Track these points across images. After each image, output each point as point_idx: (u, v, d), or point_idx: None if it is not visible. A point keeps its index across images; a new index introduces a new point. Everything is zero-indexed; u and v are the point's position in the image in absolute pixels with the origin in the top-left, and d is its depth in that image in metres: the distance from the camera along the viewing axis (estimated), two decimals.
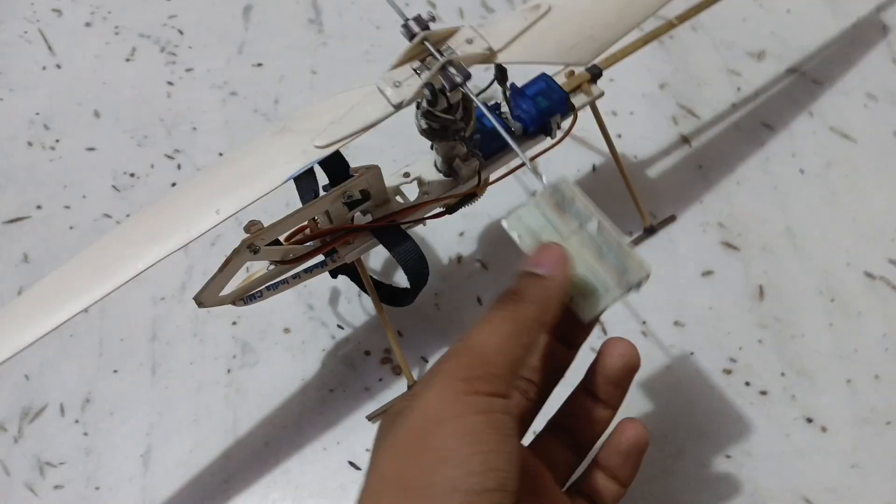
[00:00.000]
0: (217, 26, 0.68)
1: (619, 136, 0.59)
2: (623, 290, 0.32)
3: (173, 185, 0.61)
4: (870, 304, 0.52)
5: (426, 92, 0.39)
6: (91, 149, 0.63)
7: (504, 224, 0.35)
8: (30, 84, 0.67)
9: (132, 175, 0.61)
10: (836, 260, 0.54)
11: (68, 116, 0.65)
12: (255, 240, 0.41)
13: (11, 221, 0.60)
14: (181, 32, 0.68)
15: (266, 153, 0.37)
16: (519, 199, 0.57)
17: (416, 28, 0.39)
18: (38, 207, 0.60)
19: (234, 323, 0.55)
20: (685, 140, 0.59)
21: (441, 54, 0.39)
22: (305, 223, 0.45)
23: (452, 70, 0.38)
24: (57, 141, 0.63)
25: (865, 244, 0.54)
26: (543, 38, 0.41)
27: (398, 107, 0.39)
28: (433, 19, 0.40)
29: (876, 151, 0.57)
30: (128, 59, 0.67)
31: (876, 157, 0.57)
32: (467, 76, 0.38)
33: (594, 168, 0.58)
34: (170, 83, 0.65)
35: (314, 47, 0.66)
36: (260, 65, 0.66)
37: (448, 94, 0.40)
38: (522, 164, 0.49)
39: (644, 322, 0.52)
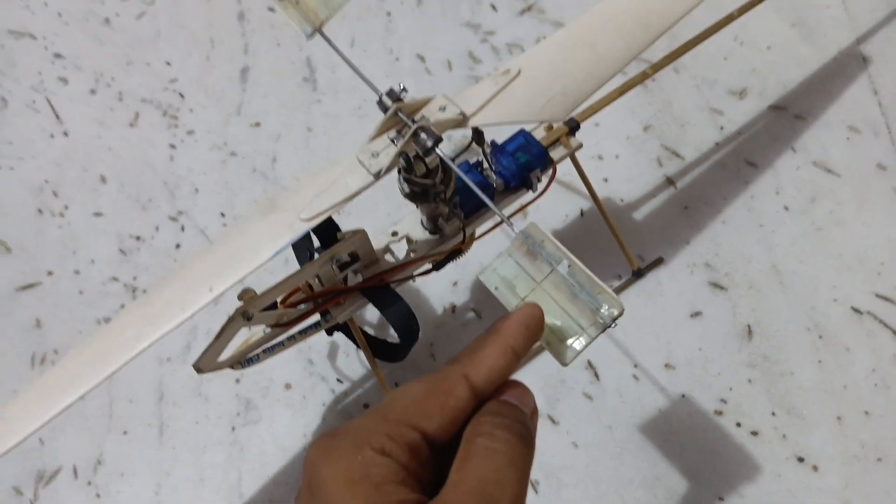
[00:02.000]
0: (216, 88, 0.70)
1: (606, 179, 0.61)
2: (599, 329, 0.32)
3: (177, 246, 0.63)
4: (857, 340, 0.53)
5: (401, 160, 0.41)
6: (98, 214, 0.65)
7: (481, 278, 0.35)
8: (38, 152, 0.70)
9: (138, 238, 0.64)
10: (822, 296, 0.54)
11: (75, 183, 0.67)
12: (249, 307, 0.43)
13: (23, 288, 0.62)
14: (182, 96, 0.70)
15: (255, 231, 0.39)
16: (499, 251, 0.59)
17: (388, 101, 0.41)
18: (49, 273, 0.63)
19: (237, 381, 0.56)
20: (670, 181, 0.60)
21: (413, 121, 0.40)
22: (298, 286, 0.47)
23: (424, 136, 0.40)
24: (65, 207, 0.66)
25: (851, 279, 0.55)
26: (515, 99, 0.43)
27: (377, 176, 0.40)
28: (405, 90, 0.41)
29: (860, 184, 0.58)
30: (131, 125, 0.70)
31: (860, 189, 0.58)
32: (438, 140, 0.40)
33: (582, 213, 0.60)
34: (172, 146, 0.68)
35: (309, 104, 0.68)
36: (258, 124, 0.68)
37: (425, 159, 0.42)
38: (501, 221, 0.51)
39: (636, 365, 0.53)
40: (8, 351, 0.59)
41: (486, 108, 0.43)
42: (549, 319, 0.33)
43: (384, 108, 0.41)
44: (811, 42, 0.64)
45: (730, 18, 0.54)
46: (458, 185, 0.47)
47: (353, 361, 0.56)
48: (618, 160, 0.62)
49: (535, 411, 0.33)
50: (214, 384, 0.56)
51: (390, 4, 0.73)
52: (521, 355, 0.33)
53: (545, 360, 0.54)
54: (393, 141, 0.41)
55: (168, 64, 0.73)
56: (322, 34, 0.46)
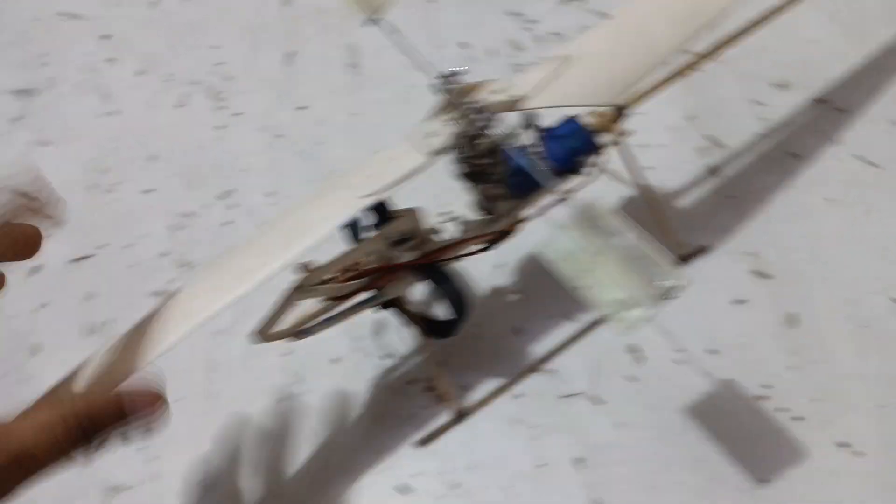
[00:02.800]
0: (262, 72, 0.72)
1: (649, 168, 0.61)
2: (661, 300, 0.33)
3: (226, 223, 0.64)
4: None
5: (458, 140, 0.42)
6: (148, 191, 0.67)
7: (537, 253, 0.36)
8: (87, 131, 0.71)
9: (188, 215, 0.65)
10: (864, 286, 0.55)
11: (125, 160, 0.69)
12: (310, 278, 0.44)
13: (75, 261, 0.64)
14: (229, 79, 0.72)
15: (317, 206, 0.41)
16: (544, 233, 0.60)
17: (446, 82, 0.42)
18: (100, 247, 0.64)
19: (283, 354, 0.58)
20: (713, 171, 0.61)
21: (470, 105, 0.41)
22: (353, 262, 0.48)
23: (480, 117, 0.41)
24: (116, 183, 0.68)
25: (893, 270, 0.55)
26: (568, 84, 0.44)
27: (434, 155, 0.41)
28: (461, 72, 0.42)
29: None
30: (180, 106, 0.71)
31: None
32: (494, 122, 0.41)
33: (626, 201, 0.61)
34: (220, 127, 0.69)
35: (353, 90, 0.70)
36: (303, 108, 0.69)
37: (480, 139, 0.43)
38: (556, 202, 0.52)
39: (679, 350, 0.54)
40: (60, 321, 0.61)
41: (539, 91, 0.44)
42: (610, 293, 0.34)
43: (440, 89, 0.42)
44: (853, 36, 0.65)
45: (776, 11, 0.55)
46: (512, 167, 0.48)
47: (399, 338, 0.57)
48: (660, 149, 0.62)
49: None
50: (261, 358, 0.58)
51: None
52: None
53: (589, 341, 0.56)
54: (449, 121, 0.42)
55: (215, 47, 0.74)
56: (380, 22, 0.47)
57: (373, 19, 0.46)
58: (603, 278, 0.34)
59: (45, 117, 0.72)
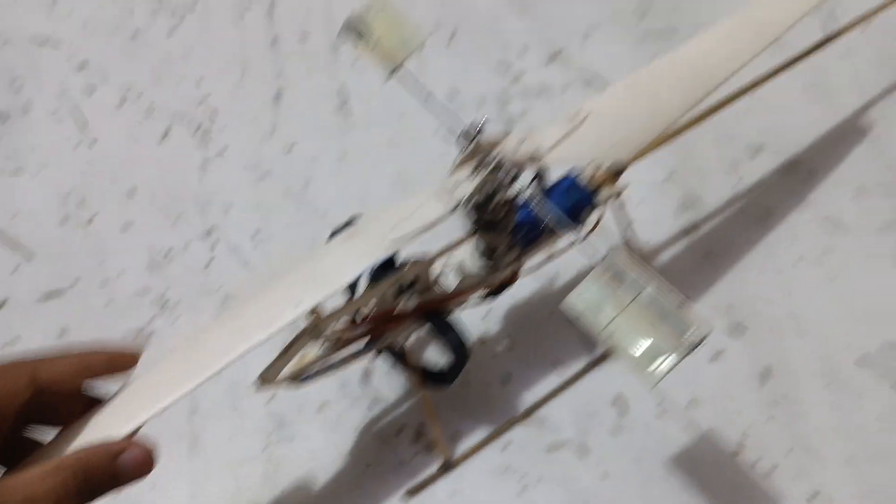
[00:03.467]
0: (249, 109, 0.71)
1: (632, 222, 0.64)
2: (685, 351, 0.34)
3: (209, 262, 0.63)
4: (867, 385, 0.56)
5: (483, 192, 0.43)
6: (127, 225, 0.65)
7: (566, 302, 0.36)
8: (63, 160, 0.69)
9: (168, 252, 0.64)
10: (836, 342, 0.58)
11: (103, 193, 0.67)
12: (319, 324, 0.44)
13: (48, 296, 0.62)
14: (214, 113, 0.71)
15: (339, 253, 0.41)
16: (540, 284, 0.61)
17: (471, 135, 0.43)
18: (75, 282, 0.62)
19: (270, 399, 0.57)
20: (693, 227, 0.64)
21: (493, 158, 0.43)
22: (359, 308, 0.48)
23: (504, 172, 0.42)
24: (93, 216, 0.66)
25: (862, 328, 0.58)
26: (584, 141, 0.46)
27: (457, 206, 0.42)
28: (485, 125, 0.44)
29: (868, 240, 0.62)
30: (162, 139, 0.70)
31: (869, 245, 0.62)
32: (517, 177, 0.42)
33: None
34: (204, 162, 0.68)
35: (342, 132, 0.70)
36: (291, 147, 0.69)
37: (502, 193, 0.44)
38: (557, 252, 0.53)
39: (662, 401, 0.56)
40: None
41: (556, 147, 0.45)
42: (636, 344, 0.35)
43: (466, 142, 0.43)
44: (822, 104, 0.69)
45: (758, 83, 0.59)
46: (520, 218, 0.49)
47: (387, 384, 0.57)
48: (642, 204, 0.65)
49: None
50: (248, 400, 0.57)
51: None
52: (93, 375, 0.38)
53: (576, 391, 0.57)
54: (472, 173, 0.43)
55: (200, 81, 0.73)
56: (400, 76, 0.48)
57: (393, 71, 0.47)
58: (630, 329, 0.35)
59: (17, 144, 0.70)
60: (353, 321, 0.47)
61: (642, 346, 0.35)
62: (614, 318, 0.36)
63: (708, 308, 0.60)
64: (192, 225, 0.65)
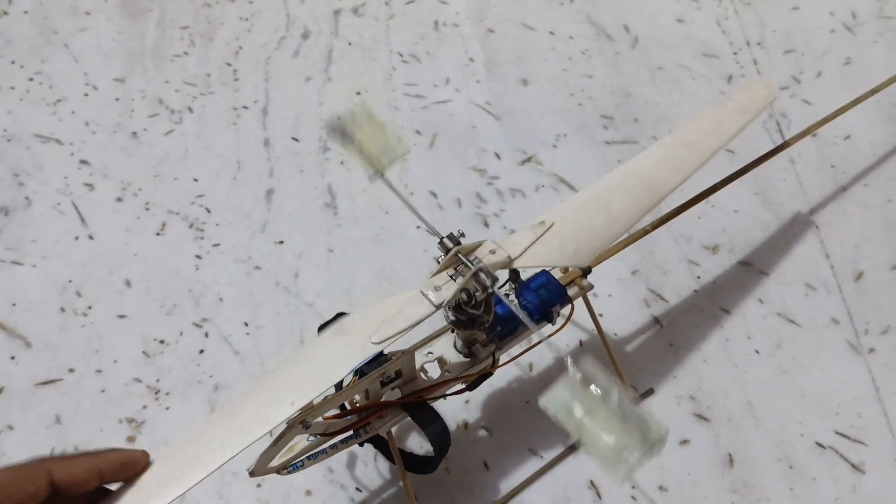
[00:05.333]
0: (242, 206, 0.76)
1: (601, 315, 0.68)
2: (650, 451, 0.37)
3: (201, 351, 0.66)
4: (822, 471, 0.60)
5: (463, 294, 0.47)
6: (122, 316, 0.68)
7: (541, 402, 0.40)
8: (62, 253, 0.73)
9: (162, 342, 0.67)
10: (790, 430, 0.62)
11: (100, 285, 0.70)
12: (307, 416, 0.47)
13: (44, 383, 0.64)
14: (208, 210, 0.76)
15: (330, 351, 0.44)
16: (516, 373, 0.65)
17: (450, 244, 0.48)
18: (70, 371, 0.65)
19: (258, 485, 0.59)
20: (656, 321, 0.69)
21: (472, 264, 0.47)
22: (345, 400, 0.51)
23: (483, 276, 0.47)
24: (89, 307, 0.69)
25: (814, 416, 0.63)
26: (550, 246, 0.50)
27: (439, 307, 0.46)
28: (462, 235, 0.48)
29: (817, 334, 0.67)
30: (158, 234, 0.74)
31: (817, 339, 0.67)
32: (496, 280, 0.46)
33: (581, 343, 0.67)
34: (198, 256, 0.72)
35: (330, 228, 0.75)
36: (281, 242, 0.74)
37: (478, 295, 0.49)
38: (532, 346, 0.58)
39: (633, 487, 0.59)
40: (27, 445, 0.61)
41: (526, 252, 0.50)
42: (605, 444, 0.39)
43: (445, 249, 0.48)
44: (770, 208, 0.76)
45: (713, 189, 0.65)
46: (498, 315, 0.53)
47: (372, 471, 0.60)
48: (610, 299, 0.70)
49: None
50: (235, 487, 0.59)
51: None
52: (105, 481, 0.40)
53: (551, 478, 0.60)
54: (451, 277, 0.48)
55: (195, 180, 0.78)
56: (383, 179, 0.52)
57: (378, 174, 0.51)
58: (600, 430, 0.39)
59: (19, 236, 0.73)
60: (339, 413, 0.51)
61: (609, 443, 0.38)
62: (583, 418, 0.40)
63: (672, 397, 0.64)
64: (185, 315, 0.68)
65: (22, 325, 0.68)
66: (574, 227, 0.52)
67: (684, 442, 0.62)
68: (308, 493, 0.59)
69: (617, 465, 0.38)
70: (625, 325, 0.68)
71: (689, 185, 0.64)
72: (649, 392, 0.64)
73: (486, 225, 0.75)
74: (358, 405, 0.51)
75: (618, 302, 0.70)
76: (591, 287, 0.59)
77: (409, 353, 0.51)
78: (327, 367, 0.44)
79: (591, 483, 0.60)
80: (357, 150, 0.53)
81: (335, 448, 0.53)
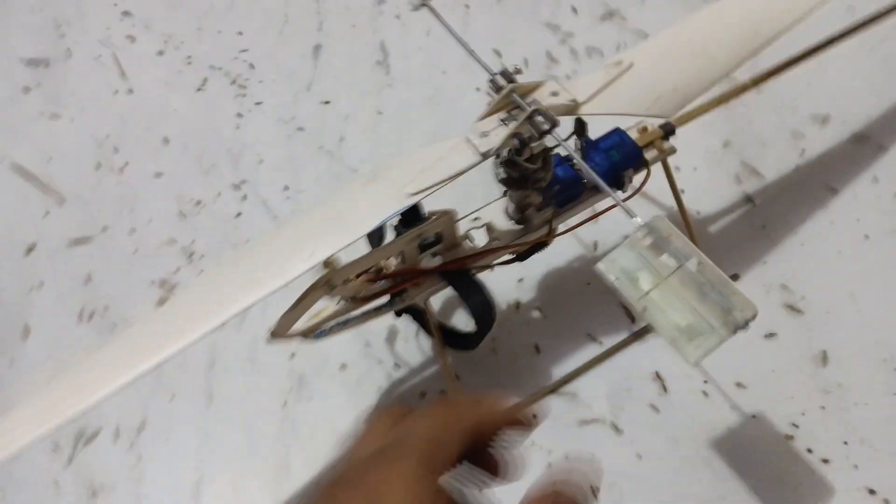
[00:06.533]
0: (287, 63, 0.69)
1: (683, 191, 0.59)
2: (730, 330, 0.31)
3: (238, 214, 0.61)
4: None
5: (515, 140, 0.40)
6: (158, 174, 0.64)
7: (599, 267, 0.33)
8: (101, 106, 0.68)
9: (198, 203, 0.62)
10: None
11: (137, 141, 0.66)
12: (333, 277, 0.42)
13: (77, 242, 0.61)
14: (252, 66, 0.69)
15: (360, 199, 0.38)
16: (577, 251, 0.58)
17: (503, 81, 0.40)
18: (104, 229, 0.62)
19: (292, 355, 0.55)
20: (749, 199, 0.59)
21: (528, 106, 0.39)
22: (378, 263, 0.46)
23: (540, 119, 0.39)
24: (126, 164, 0.65)
25: None
26: (626, 92, 0.42)
27: (486, 155, 0.39)
28: (519, 72, 0.40)
29: None
30: (198, 89, 0.69)
31: None
32: (555, 124, 0.39)
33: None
34: (239, 115, 0.67)
35: (380, 88, 0.67)
36: (327, 102, 0.67)
37: (533, 144, 0.41)
38: (600, 213, 0.50)
39: (706, 381, 0.52)
40: (55, 303, 0.58)
41: (596, 97, 0.42)
42: (675, 317, 0.32)
43: (497, 88, 0.40)
44: (892, 72, 0.64)
45: (825, 45, 0.54)
46: (556, 175, 0.46)
47: (412, 347, 0.55)
48: (695, 172, 0.61)
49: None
50: (268, 356, 0.55)
51: None
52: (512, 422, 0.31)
53: (613, 366, 0.53)
54: (503, 122, 0.40)
55: (240, 34, 0.72)
56: (430, 6, 0.45)
57: (420, 4, 0.44)
58: (670, 303, 0.32)
59: (57, 89, 0.69)
60: (372, 277, 0.45)
61: (683, 321, 0.32)
62: (652, 290, 0.33)
63: (761, 285, 0.56)
64: (223, 176, 0.64)
65: (57, 180, 0.64)
66: (658, 70, 0.43)
67: (770, 335, 0.54)
68: (343, 366, 0.54)
69: (689, 346, 0.31)
70: (710, 202, 0.59)
71: (798, 43, 0.54)
72: (733, 278, 0.56)
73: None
74: (392, 270, 0.45)
75: (704, 176, 0.61)
76: (673, 151, 0.50)
77: (451, 214, 0.44)
78: (355, 216, 0.38)
79: (657, 374, 0.53)
80: None
81: (366, 316, 0.47)
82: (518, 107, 0.40)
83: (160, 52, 0.71)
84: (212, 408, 0.53)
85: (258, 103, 0.67)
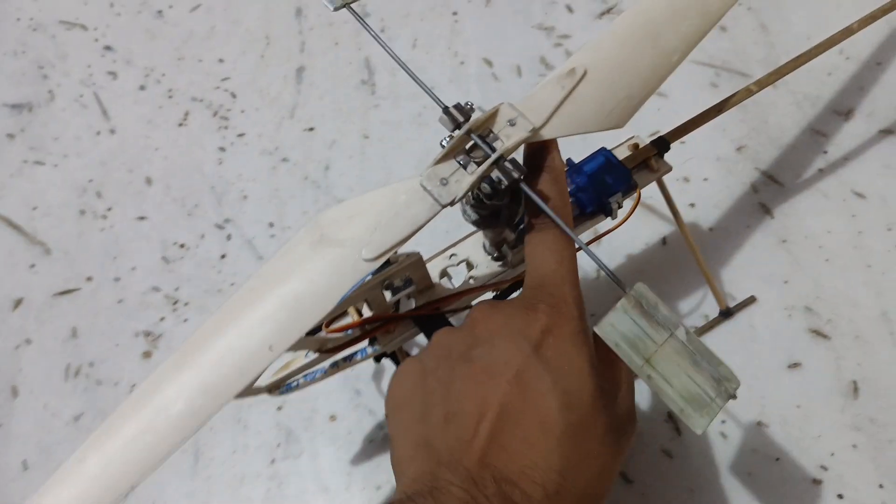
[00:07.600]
0: (270, 89, 0.66)
1: (692, 204, 0.55)
2: (724, 399, 0.30)
3: (223, 256, 0.59)
4: None
5: (484, 185, 0.36)
6: (141, 218, 0.62)
7: (598, 331, 0.31)
8: (83, 150, 0.66)
9: (182, 246, 0.60)
10: None
11: (120, 184, 0.64)
12: None
13: (61, 294, 0.59)
14: (234, 96, 0.66)
15: (311, 272, 0.34)
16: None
17: (459, 117, 0.36)
18: (88, 279, 0.60)
19: (279, 408, 0.52)
20: (766, 210, 0.54)
21: (489, 145, 0.35)
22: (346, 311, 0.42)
23: (508, 165, 0.34)
24: (108, 210, 0.63)
25: None
26: (583, 106, 0.37)
27: (449, 205, 0.35)
28: (471, 107, 0.36)
29: None
30: (180, 124, 0.66)
31: None
32: (523, 173, 0.34)
33: (664, 241, 0.54)
34: (221, 149, 0.64)
35: (366, 110, 0.64)
36: (311, 129, 0.64)
37: (500, 182, 0.37)
38: (601, 235, 0.46)
39: (723, 421, 0.47)
40: (41, 360, 0.56)
41: (554, 117, 0.37)
42: (679, 386, 0.30)
43: (453, 125, 0.36)
44: None
45: (848, 32, 0.48)
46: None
47: None
48: (706, 183, 0.55)
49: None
50: (255, 410, 0.52)
51: (457, 4, 0.68)
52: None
53: None
54: (461, 164, 0.36)
55: (221, 61, 0.69)
56: (350, 9, 0.40)
57: (340, 4, 0.39)
58: (672, 371, 0.30)
59: (41, 134, 0.68)
60: (337, 327, 0.41)
61: (686, 391, 0.30)
62: (652, 357, 0.31)
63: (782, 307, 0.50)
64: (207, 216, 0.61)
65: (42, 231, 0.63)
66: (613, 74, 0.38)
67: (794, 365, 0.48)
68: (332, 417, 0.51)
69: (695, 415, 0.30)
70: (724, 217, 0.54)
71: (817, 29, 0.48)
72: (750, 301, 0.51)
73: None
74: (359, 319, 0.42)
75: (716, 187, 0.55)
76: (669, 169, 0.45)
77: (415, 256, 0.40)
78: (311, 297, 0.33)
79: (669, 415, 0.48)
80: None
81: (337, 366, 0.44)
82: (476, 147, 0.36)
83: (142, 87, 0.69)
84: (199, 469, 0.51)
85: (240, 135, 0.64)
